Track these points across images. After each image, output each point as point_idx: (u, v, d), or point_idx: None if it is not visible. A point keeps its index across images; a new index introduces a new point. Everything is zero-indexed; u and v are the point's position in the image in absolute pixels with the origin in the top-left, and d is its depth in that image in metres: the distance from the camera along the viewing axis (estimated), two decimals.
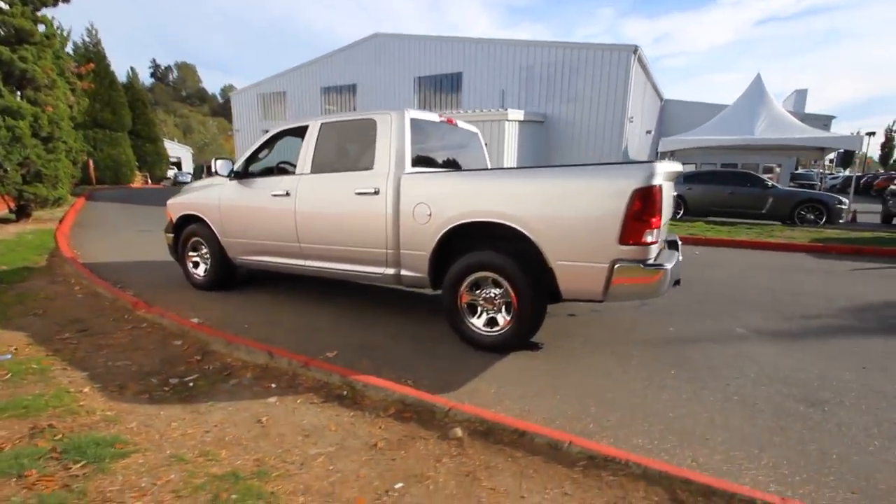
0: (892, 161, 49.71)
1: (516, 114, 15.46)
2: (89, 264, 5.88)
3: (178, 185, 24.92)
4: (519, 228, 3.06)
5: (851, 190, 14.99)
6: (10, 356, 3.00)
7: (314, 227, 4.02)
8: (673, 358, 3.26)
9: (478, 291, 3.39)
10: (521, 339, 3.26)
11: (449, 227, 3.32)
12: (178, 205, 5.08)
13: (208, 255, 4.96)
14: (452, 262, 3.44)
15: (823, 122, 23.85)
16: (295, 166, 5.02)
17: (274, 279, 5.47)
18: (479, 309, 3.41)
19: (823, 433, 2.31)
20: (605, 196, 2.81)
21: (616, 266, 2.83)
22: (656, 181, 2.72)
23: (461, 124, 4.63)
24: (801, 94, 30.71)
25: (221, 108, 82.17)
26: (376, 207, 3.64)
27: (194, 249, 5.10)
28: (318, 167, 4.07)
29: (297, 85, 24.69)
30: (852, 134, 16.46)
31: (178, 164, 45.20)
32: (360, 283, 4.10)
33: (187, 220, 5.03)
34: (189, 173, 39.83)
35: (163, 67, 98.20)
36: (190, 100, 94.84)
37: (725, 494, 1.74)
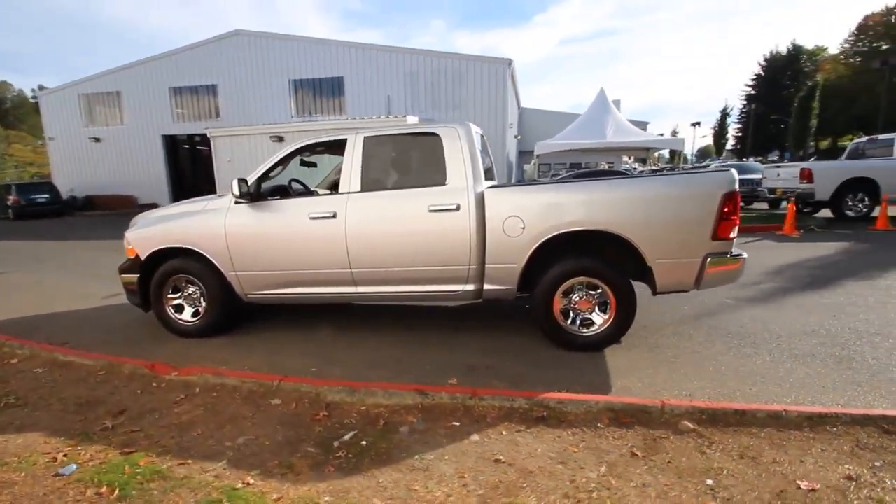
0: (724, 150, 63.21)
1: (412, 120, 15.65)
2: None
3: None
4: (621, 234, 3.32)
5: None
6: (75, 467, 2.16)
7: (374, 250, 3.69)
8: (717, 330, 3.87)
9: (572, 296, 3.55)
10: (620, 335, 3.53)
11: (545, 238, 3.41)
12: (150, 237, 4.10)
13: (200, 295, 4.12)
14: (537, 271, 3.54)
15: (642, 126, 29.18)
16: (303, 185, 4.54)
17: (267, 312, 4.77)
18: (572, 313, 3.58)
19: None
20: (700, 200, 3.25)
21: (708, 259, 3.29)
22: (737, 185, 3.25)
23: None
24: (615, 104, 37.11)
25: None
26: (457, 223, 3.53)
27: (176, 290, 4.18)
28: (369, 185, 3.74)
29: (137, 84, 20.98)
30: (674, 136, 20.56)
31: None
32: (416, 303, 3.88)
33: (162, 254, 4.10)
34: None
35: None
36: None
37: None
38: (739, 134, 63.17)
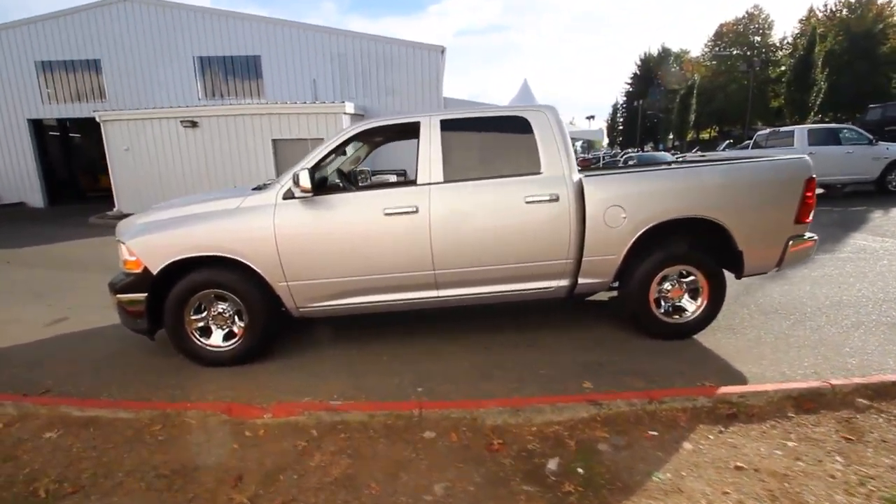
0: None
1: (350, 107, 14.71)
2: None
3: None
4: (718, 220, 3.35)
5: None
6: None
7: (462, 248, 3.30)
8: (763, 308, 4.13)
9: (664, 284, 3.52)
10: (710, 321, 3.58)
11: (647, 227, 3.32)
12: (167, 245, 3.24)
13: (234, 313, 3.39)
14: (631, 261, 3.45)
15: None
16: (344, 174, 3.97)
17: (298, 327, 4.10)
18: (663, 301, 3.56)
19: None
20: (787, 185, 3.40)
21: (790, 241, 3.46)
22: (813, 171, 3.45)
23: None
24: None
25: None
26: (556, 215, 3.29)
27: (199, 309, 3.38)
28: (452, 174, 3.33)
29: None
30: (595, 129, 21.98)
31: None
32: (493, 303, 3.56)
33: (181, 266, 3.27)
34: None
35: None
36: None
37: None
38: (621, 127, 70.07)
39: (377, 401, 2.73)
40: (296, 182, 3.08)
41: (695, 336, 3.57)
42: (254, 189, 3.61)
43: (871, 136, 11.54)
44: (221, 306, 3.39)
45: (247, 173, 13.87)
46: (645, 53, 66.23)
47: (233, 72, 17.81)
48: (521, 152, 3.40)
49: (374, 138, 4.10)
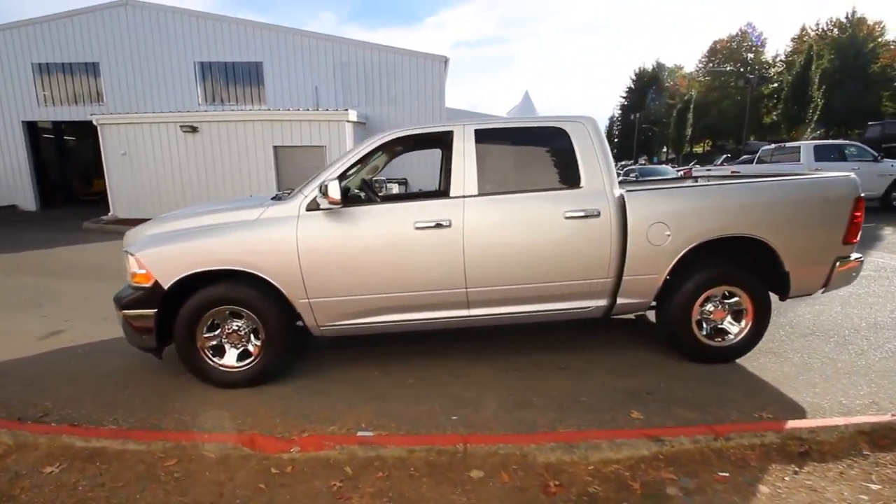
0: None
1: (353, 115, 14.56)
2: None
3: None
4: (765, 240, 3.18)
5: None
6: None
7: (498, 265, 3.11)
8: (799, 330, 3.96)
9: (706, 306, 3.34)
10: (754, 345, 3.39)
11: (692, 245, 3.15)
12: (181, 257, 3.01)
13: (249, 332, 3.16)
14: (672, 281, 3.27)
15: None
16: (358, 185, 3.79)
17: (312, 344, 3.87)
18: (705, 323, 3.37)
19: None
20: (836, 204, 3.24)
21: (837, 262, 3.30)
22: (861, 190, 3.30)
23: None
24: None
25: None
26: (597, 231, 3.11)
27: (213, 327, 3.14)
28: (487, 187, 3.14)
29: None
30: None
31: None
32: (523, 322, 3.36)
33: (194, 280, 3.04)
34: None
35: None
36: None
37: None
38: (617, 140, 70.79)
39: (411, 431, 2.51)
40: (324, 193, 2.87)
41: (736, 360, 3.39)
42: (273, 199, 3.40)
43: (875, 153, 11.57)
44: (236, 324, 3.16)
45: (247, 180, 13.64)
46: (640, 68, 67.12)
47: (234, 78, 17.63)
48: (559, 165, 3.23)
49: (397, 147, 3.91)
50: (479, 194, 3.12)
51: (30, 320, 4.78)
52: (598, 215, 3.10)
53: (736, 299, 3.33)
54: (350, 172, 3.25)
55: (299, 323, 3.21)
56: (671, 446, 2.25)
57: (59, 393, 3.13)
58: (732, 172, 11.00)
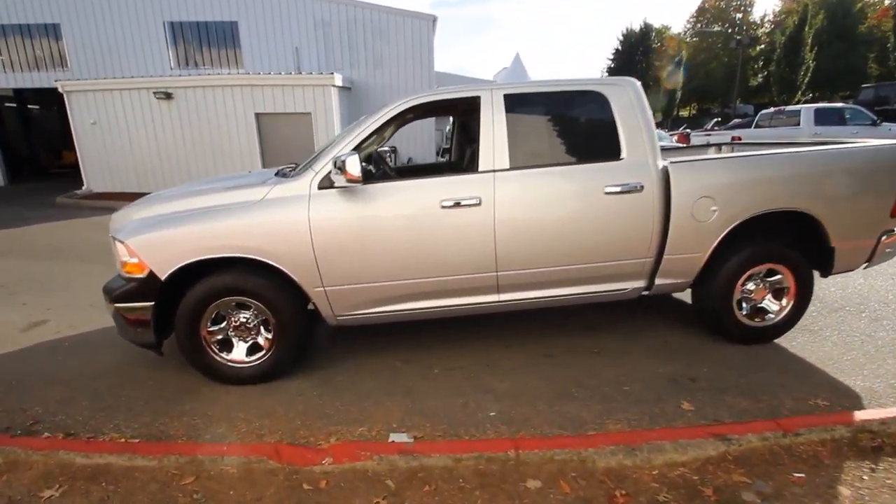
0: None
1: (338, 79, 13.79)
2: None
3: None
4: (813, 214, 2.97)
5: None
6: None
7: (532, 246, 2.84)
8: (828, 306, 3.83)
9: (748, 284, 3.15)
10: (794, 323, 3.24)
11: (739, 221, 2.92)
12: (178, 243, 2.66)
13: (259, 323, 2.87)
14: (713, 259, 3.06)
15: None
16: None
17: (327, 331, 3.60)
18: (745, 303, 3.19)
19: None
20: (887, 174, 3.03)
21: (883, 236, 3.13)
22: None
23: None
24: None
25: None
26: (640, 207, 2.86)
27: (218, 319, 2.84)
28: (520, 159, 2.83)
29: None
30: None
31: None
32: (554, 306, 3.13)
33: (195, 268, 2.72)
34: None
35: None
36: None
37: None
38: None
39: (449, 431, 2.30)
40: (340, 168, 2.53)
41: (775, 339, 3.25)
42: (277, 175, 3.04)
43: (874, 117, 11.45)
44: (244, 315, 2.87)
45: (227, 149, 12.96)
46: (627, 29, 65.45)
47: (208, 39, 16.49)
48: (597, 134, 2.93)
49: (409, 115, 3.55)
50: (511, 168, 2.81)
51: (8, 310, 4.40)
52: (640, 190, 2.83)
53: (778, 277, 3.14)
54: (365, 144, 2.90)
55: (310, 306, 2.92)
56: (738, 445, 2.08)
57: (50, 395, 2.83)
58: (734, 139, 10.79)
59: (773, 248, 3.06)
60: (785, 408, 2.46)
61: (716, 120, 29.17)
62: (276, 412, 2.56)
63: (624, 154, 2.87)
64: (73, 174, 14.33)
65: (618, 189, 2.81)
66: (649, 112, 2.94)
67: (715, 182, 2.89)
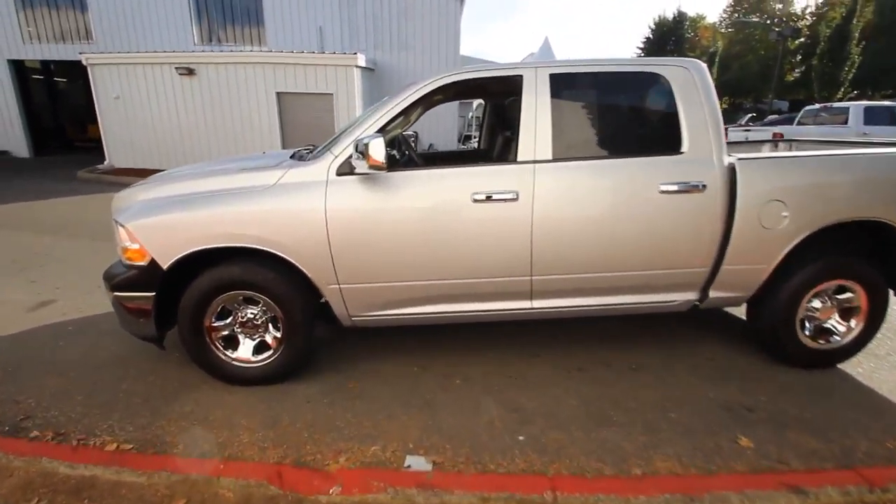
0: None
1: (361, 59, 13.44)
2: None
3: None
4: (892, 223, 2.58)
5: None
6: None
7: (571, 248, 2.52)
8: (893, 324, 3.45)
9: (813, 302, 2.78)
10: (861, 347, 2.86)
11: (813, 230, 2.55)
12: (184, 229, 2.42)
13: (267, 320, 2.62)
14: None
15: None
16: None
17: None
18: (808, 322, 2.82)
19: None
20: None
21: None
22: None
23: None
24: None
25: None
26: (701, 209, 2.51)
27: (223, 314, 2.61)
28: (564, 150, 2.50)
29: None
30: None
31: None
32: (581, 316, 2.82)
33: (199, 258, 2.47)
34: None
35: None
36: None
37: None
38: None
39: (472, 457, 2.02)
40: (362, 153, 2.23)
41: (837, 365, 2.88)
42: (293, 157, 2.77)
43: None
44: (251, 311, 2.62)
45: (248, 128, 12.80)
46: (659, 17, 63.17)
47: (231, 16, 16.25)
48: (655, 123, 2.58)
49: (437, 96, 3.22)
50: (554, 159, 2.48)
51: (16, 287, 4.27)
52: (702, 189, 2.48)
53: (849, 295, 2.76)
54: (390, 127, 2.60)
55: (323, 300, 2.67)
56: (816, 499, 1.76)
57: (45, 386, 2.65)
58: (775, 136, 10.15)
59: (846, 263, 2.68)
60: (860, 451, 2.12)
61: (750, 115, 27.99)
62: (281, 421, 2.32)
63: (685, 148, 2.51)
64: (97, 148, 14.34)
65: (675, 188, 2.46)
66: (716, 100, 2.57)
67: (788, 184, 2.51)
